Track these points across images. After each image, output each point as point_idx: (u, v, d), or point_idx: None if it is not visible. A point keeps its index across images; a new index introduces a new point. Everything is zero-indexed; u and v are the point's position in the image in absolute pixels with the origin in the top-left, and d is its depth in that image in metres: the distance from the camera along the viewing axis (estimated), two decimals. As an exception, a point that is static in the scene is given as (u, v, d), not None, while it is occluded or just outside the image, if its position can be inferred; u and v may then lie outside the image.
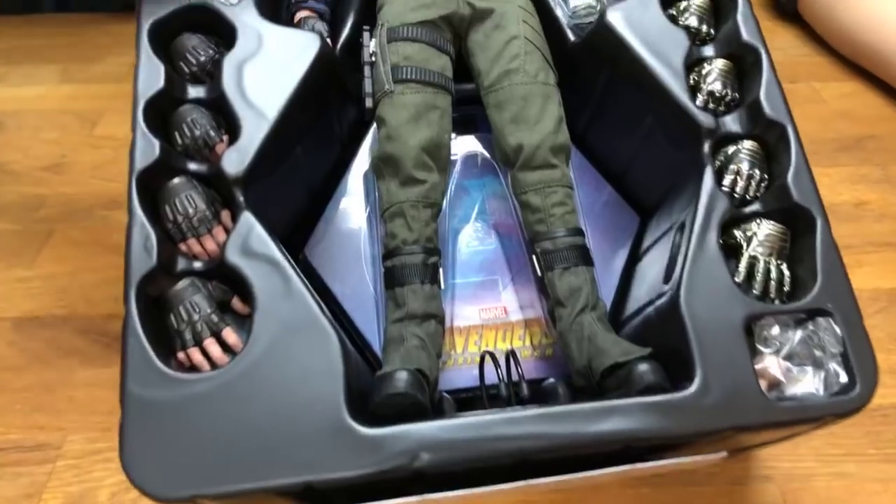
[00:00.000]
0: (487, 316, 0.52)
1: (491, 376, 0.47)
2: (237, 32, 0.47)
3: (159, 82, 0.45)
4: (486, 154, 0.56)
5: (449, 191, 0.53)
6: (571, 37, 0.54)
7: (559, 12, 0.54)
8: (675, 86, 0.47)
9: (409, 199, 0.47)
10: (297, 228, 0.53)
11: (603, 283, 0.52)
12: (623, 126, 0.53)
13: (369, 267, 0.53)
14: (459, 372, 0.50)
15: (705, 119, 0.46)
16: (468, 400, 0.49)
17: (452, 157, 0.55)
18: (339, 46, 0.53)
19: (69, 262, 0.64)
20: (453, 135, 0.55)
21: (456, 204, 0.55)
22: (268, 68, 0.46)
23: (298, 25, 0.53)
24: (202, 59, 0.47)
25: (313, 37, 0.47)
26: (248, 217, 0.42)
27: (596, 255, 0.53)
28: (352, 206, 0.55)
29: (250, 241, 0.41)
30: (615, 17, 0.49)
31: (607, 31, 0.49)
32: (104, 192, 0.70)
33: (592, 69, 0.52)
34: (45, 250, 0.65)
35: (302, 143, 0.49)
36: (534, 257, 0.48)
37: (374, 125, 0.51)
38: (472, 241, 0.54)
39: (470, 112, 0.57)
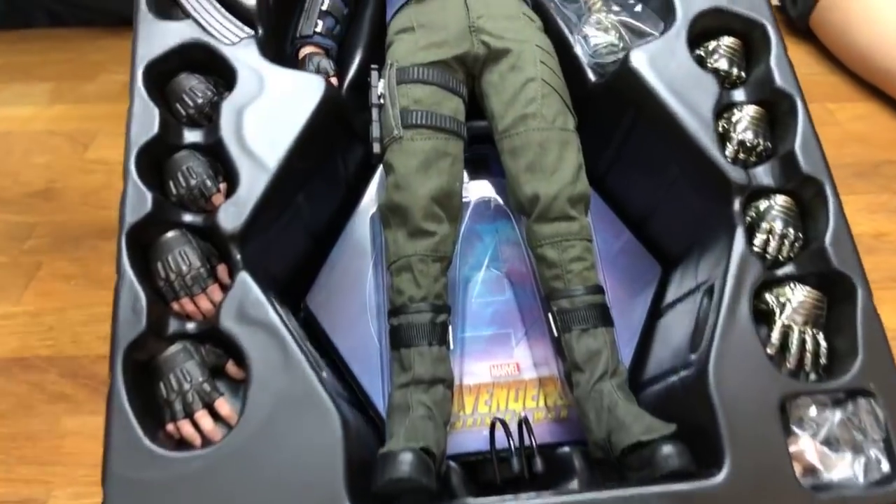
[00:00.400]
0: (499, 373, 0.49)
1: (502, 440, 0.44)
2: (237, 74, 0.44)
3: (153, 128, 0.43)
4: (500, 200, 0.53)
5: (460, 236, 0.50)
6: (592, 77, 0.50)
7: (579, 51, 0.51)
8: (704, 137, 0.44)
9: (418, 252, 0.44)
10: (299, 276, 0.50)
11: (622, 335, 0.49)
12: (646, 172, 0.50)
13: (374, 318, 0.50)
14: (469, 434, 0.47)
15: (736, 174, 0.43)
16: (478, 464, 0.46)
17: (464, 200, 0.52)
18: (345, 85, 0.50)
19: (57, 298, 0.61)
20: (465, 177, 0.52)
21: (467, 250, 0.52)
22: (269, 113, 0.43)
23: (303, 62, 0.50)
24: (200, 101, 0.45)
25: (317, 80, 0.44)
26: (244, 278, 0.39)
27: (615, 306, 0.50)
28: (357, 251, 0.52)
29: (246, 305, 0.39)
30: (640, 60, 0.46)
31: (631, 75, 0.46)
32: (95, 221, 0.67)
33: (614, 112, 0.49)
34: (32, 284, 0.62)
35: (304, 190, 0.46)
36: (549, 316, 0.45)
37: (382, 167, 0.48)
38: (483, 291, 0.51)
39: (482, 151, 0.54)
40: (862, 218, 0.70)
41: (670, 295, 0.50)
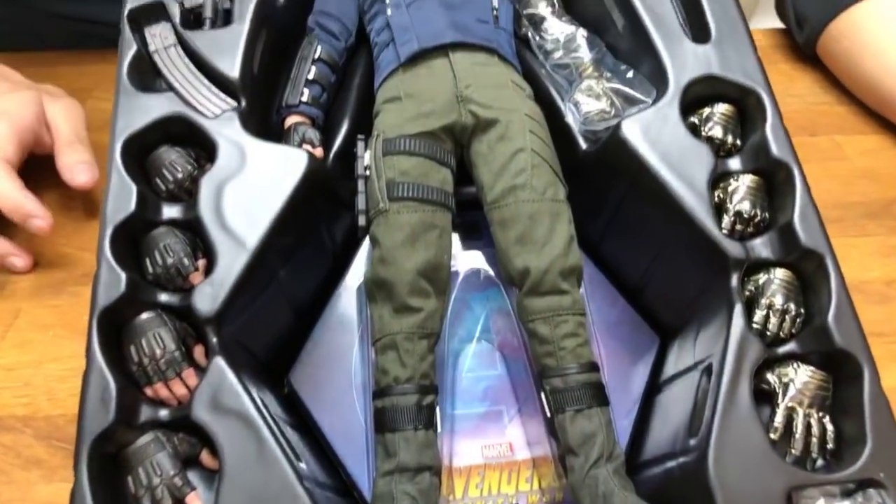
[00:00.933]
0: (491, 454, 0.46)
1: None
2: (218, 148, 0.43)
3: (130, 206, 0.41)
4: (490, 270, 0.52)
5: (448, 309, 0.49)
6: (583, 144, 0.49)
7: (570, 118, 0.50)
8: (699, 209, 0.42)
9: (403, 329, 0.43)
10: (281, 352, 0.48)
11: (618, 409, 0.47)
12: (640, 242, 0.48)
13: (360, 395, 0.48)
14: (459, 521, 0.44)
15: (733, 249, 0.41)
16: (468, 554, 0.43)
17: (453, 270, 0.50)
18: (332, 154, 0.49)
19: (34, 350, 0.59)
20: (456, 246, 0.50)
21: (456, 321, 0.51)
22: (249, 190, 0.42)
23: (289, 132, 0.49)
24: (179, 176, 0.44)
25: (300, 154, 0.43)
26: (219, 364, 0.38)
27: (611, 378, 0.48)
28: (343, 324, 0.50)
29: (221, 393, 0.37)
30: (632, 130, 0.44)
31: (623, 145, 0.45)
32: (77, 263, 0.65)
33: (607, 180, 0.48)
34: (9, 335, 0.60)
35: (287, 265, 0.45)
36: (542, 395, 0.43)
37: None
38: (474, 365, 0.49)
39: (473, 217, 0.52)
40: (874, 262, 0.66)
41: (669, 369, 0.48)
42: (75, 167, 0.57)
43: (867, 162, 0.75)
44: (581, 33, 0.53)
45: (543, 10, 0.55)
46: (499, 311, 0.51)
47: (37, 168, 0.72)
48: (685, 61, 0.47)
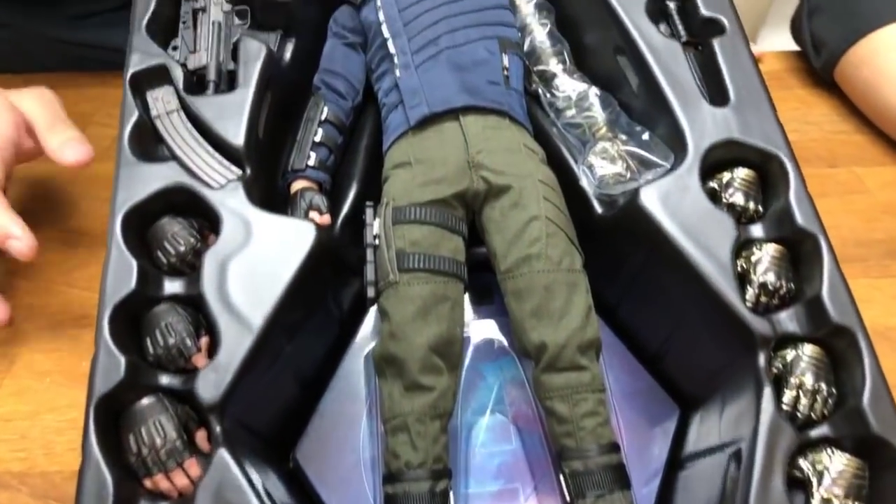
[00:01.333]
0: (507, 536, 0.44)
1: None
2: (222, 221, 0.42)
3: (130, 283, 0.40)
4: (504, 340, 0.50)
5: (461, 384, 0.47)
6: (599, 208, 0.48)
7: (584, 182, 0.48)
8: (723, 282, 0.41)
9: (415, 410, 0.41)
10: (287, 427, 0.46)
11: (638, 483, 0.45)
12: (661, 311, 0.47)
13: (368, 471, 0.46)
14: None
15: (760, 326, 0.40)
16: None
17: (465, 335, 0.48)
18: (339, 221, 0.47)
19: (31, 399, 0.56)
20: (466, 303, 0.48)
21: (469, 393, 0.49)
22: (254, 266, 0.40)
23: (295, 197, 0.48)
24: (182, 249, 0.42)
25: (307, 228, 0.42)
26: (223, 457, 0.36)
27: (630, 450, 0.47)
28: (350, 395, 0.48)
29: (225, 489, 0.35)
30: (651, 199, 0.43)
31: (642, 214, 0.43)
32: (75, 304, 0.62)
33: (624, 246, 0.47)
34: (6, 382, 0.57)
35: (293, 341, 0.43)
36: (561, 478, 0.41)
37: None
38: (488, 440, 0.47)
39: (484, 280, 0.50)
40: (899, 306, 0.63)
41: (691, 444, 0.46)
42: (64, 146, 0.54)
43: (890, 195, 0.72)
44: (594, 92, 0.52)
45: (554, 66, 0.54)
46: (512, 381, 0.49)
47: (33, 200, 0.70)
48: (704, 125, 0.45)
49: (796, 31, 0.82)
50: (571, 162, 0.50)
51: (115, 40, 0.78)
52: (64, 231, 0.67)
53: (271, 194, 0.48)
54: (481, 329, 0.50)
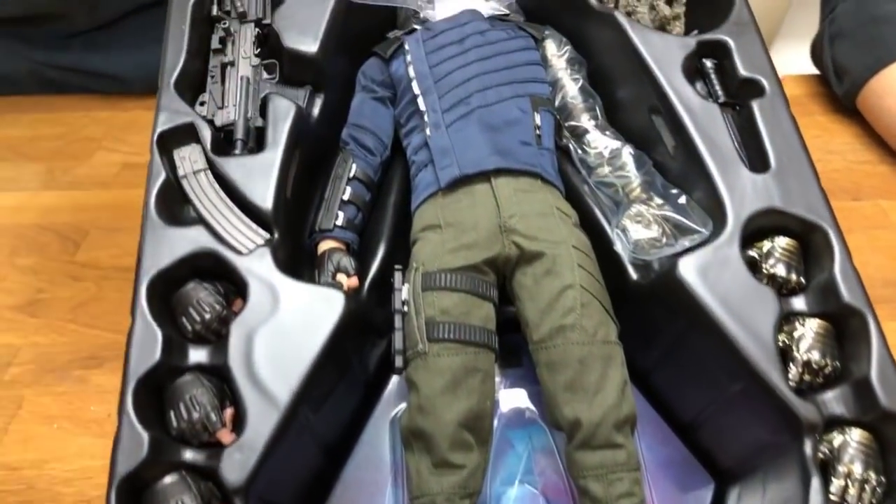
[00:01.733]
0: None
1: None
2: (249, 288, 0.41)
3: (155, 354, 0.39)
4: (533, 407, 0.48)
5: (490, 459, 0.45)
6: (634, 274, 0.46)
7: (619, 246, 0.47)
8: (765, 363, 0.39)
9: (444, 490, 0.39)
10: (311, 497, 0.45)
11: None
12: (698, 382, 0.45)
13: (395, 546, 0.44)
14: None
15: (806, 411, 0.38)
16: None
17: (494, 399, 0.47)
18: (367, 283, 0.46)
19: (38, 447, 0.55)
20: (497, 376, 0.47)
21: (498, 461, 0.47)
22: (281, 338, 0.39)
23: (323, 258, 0.47)
24: (207, 317, 0.41)
25: (336, 297, 0.41)
26: (247, 546, 0.34)
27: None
28: (375, 462, 0.47)
29: (249, 581, 0.33)
30: (689, 271, 0.41)
31: (680, 287, 0.42)
32: (83, 344, 0.61)
33: (661, 316, 0.45)
34: (12, 427, 0.56)
35: (318, 412, 0.42)
36: (594, 563, 0.40)
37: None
38: (516, 512, 0.46)
39: (515, 341, 0.49)
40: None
41: (729, 522, 0.44)
42: None
43: (916, 231, 0.69)
44: (627, 150, 0.51)
45: (586, 122, 0.53)
46: (542, 449, 0.48)
47: (38, 231, 0.69)
48: (744, 193, 0.44)
49: (817, 56, 0.80)
50: (605, 224, 0.49)
51: (95, 64, 0.78)
52: (70, 263, 0.66)
53: (298, 253, 0.47)
54: (510, 395, 0.49)
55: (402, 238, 0.49)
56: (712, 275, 0.41)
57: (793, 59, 0.88)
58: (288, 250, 0.45)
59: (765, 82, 0.48)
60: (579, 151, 0.53)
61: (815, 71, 0.82)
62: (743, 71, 0.49)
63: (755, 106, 0.47)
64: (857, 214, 0.70)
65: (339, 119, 0.53)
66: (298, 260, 0.47)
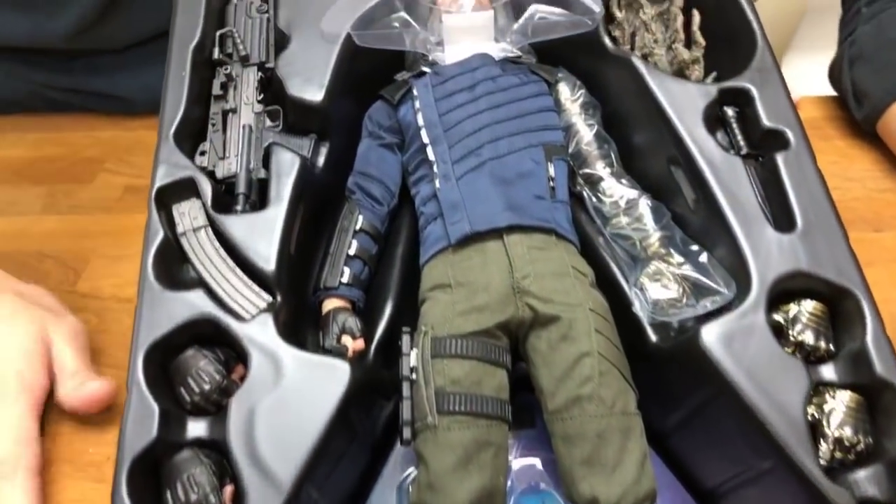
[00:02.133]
0: None
1: None
2: (250, 359, 0.39)
3: (151, 431, 0.37)
4: (549, 479, 0.46)
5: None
6: (653, 336, 0.44)
7: (637, 306, 0.45)
8: (794, 443, 0.37)
9: (455, 577, 0.37)
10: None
11: None
12: (721, 455, 0.43)
13: None
14: None
15: (836, 494, 0.36)
16: None
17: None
18: (373, 345, 0.44)
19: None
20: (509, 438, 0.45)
21: (510, 532, 0.45)
22: (284, 414, 0.37)
23: (327, 319, 0.45)
24: (207, 388, 0.39)
25: (342, 367, 0.39)
26: None
27: None
28: (382, 531, 0.45)
29: None
30: (712, 341, 0.39)
31: (702, 356, 0.40)
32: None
33: (681, 383, 0.43)
34: None
35: (323, 489, 0.40)
36: None
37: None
38: (529, 588, 0.44)
39: (527, 400, 0.47)
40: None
41: None
42: (78, 388, 0.48)
43: (943, 266, 0.67)
44: (644, 201, 0.49)
45: (601, 169, 0.51)
46: (556, 518, 0.46)
47: (37, 258, 0.67)
48: (769, 254, 0.42)
49: (835, 78, 0.78)
50: (622, 281, 0.47)
51: (97, 85, 0.77)
52: (71, 293, 0.64)
53: (301, 311, 0.45)
54: (524, 463, 0.47)
55: (409, 293, 0.47)
56: (737, 345, 0.39)
57: (804, 72, 0.86)
58: (291, 309, 0.43)
59: (790, 134, 0.46)
60: (594, 199, 0.51)
61: (832, 92, 0.79)
62: (766, 121, 0.47)
63: (780, 159, 0.45)
64: (877, 247, 0.67)
65: (344, 165, 0.51)
66: (302, 317, 0.45)
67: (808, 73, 0.85)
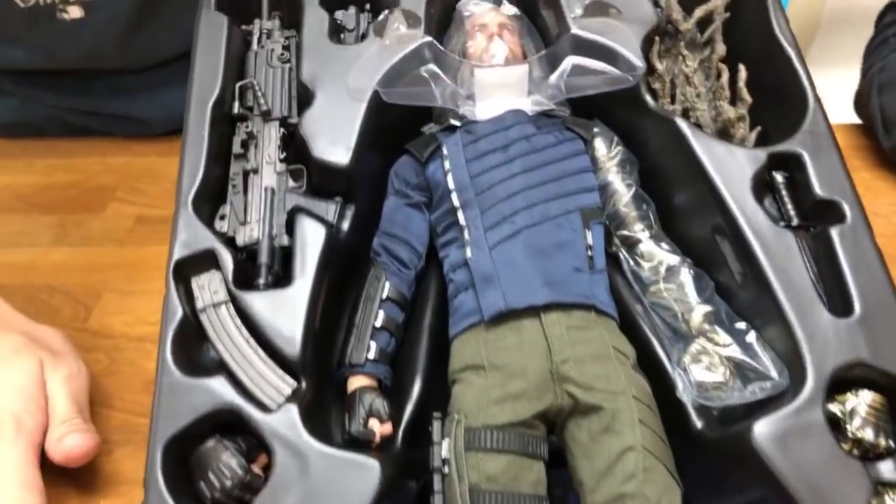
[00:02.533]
0: None
1: None
2: (275, 457, 0.37)
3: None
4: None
5: None
6: (698, 422, 0.42)
7: (680, 388, 0.43)
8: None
9: None
10: None
11: None
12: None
13: None
14: None
15: None
16: None
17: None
18: (401, 429, 0.42)
19: None
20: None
21: None
22: (310, 520, 0.35)
23: (353, 399, 0.42)
24: (229, 484, 0.37)
25: (372, 466, 0.37)
26: None
27: None
28: None
29: None
30: (766, 440, 0.37)
31: (753, 454, 0.37)
32: (94, 425, 0.57)
33: (729, 476, 0.41)
34: None
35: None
36: None
37: None
38: None
39: (562, 477, 0.44)
40: None
41: None
42: (64, 438, 0.45)
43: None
44: (686, 270, 0.46)
45: (639, 232, 0.49)
46: None
47: (48, 292, 0.65)
48: (826, 342, 0.39)
49: (862, 106, 0.74)
50: (663, 357, 0.44)
51: (116, 107, 0.75)
52: (82, 332, 0.62)
53: (325, 387, 0.43)
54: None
55: (438, 366, 0.45)
56: (794, 445, 0.37)
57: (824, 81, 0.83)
58: (315, 391, 0.41)
59: (845, 206, 0.43)
60: (631, 262, 0.48)
61: (836, 104, 0.76)
62: (819, 191, 0.44)
63: (834, 234, 0.42)
64: (903, 286, 0.64)
65: (370, 224, 0.49)
66: (325, 394, 0.43)
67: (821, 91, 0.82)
